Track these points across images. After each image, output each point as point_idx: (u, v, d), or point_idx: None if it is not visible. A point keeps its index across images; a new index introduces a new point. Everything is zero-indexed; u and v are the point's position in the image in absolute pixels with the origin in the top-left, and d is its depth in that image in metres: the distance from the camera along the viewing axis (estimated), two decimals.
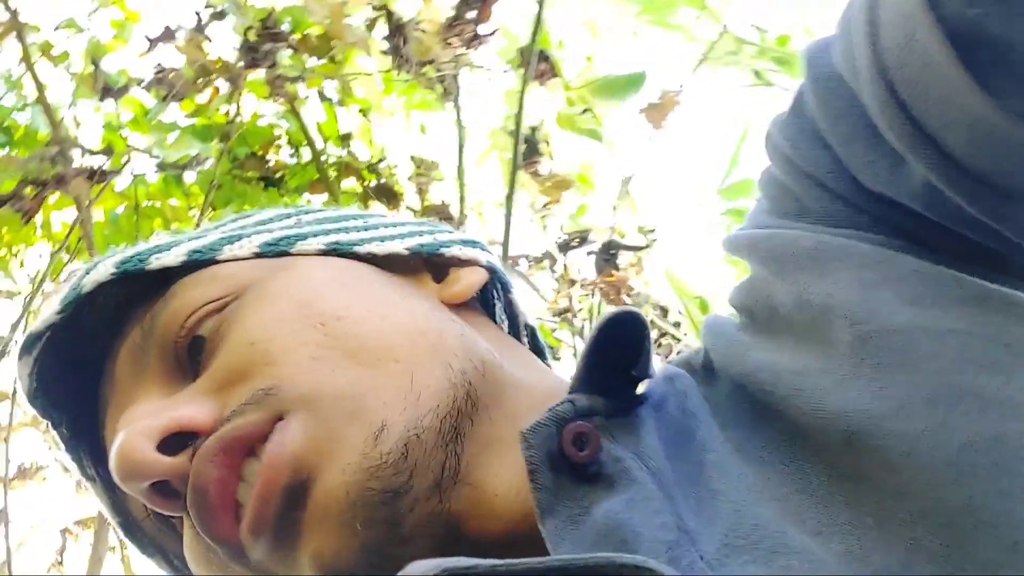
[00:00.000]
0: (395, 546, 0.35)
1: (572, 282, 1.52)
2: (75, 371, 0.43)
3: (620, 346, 0.38)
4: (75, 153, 1.50)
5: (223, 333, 0.39)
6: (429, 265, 0.45)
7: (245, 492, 0.36)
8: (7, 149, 1.48)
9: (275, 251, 0.43)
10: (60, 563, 1.52)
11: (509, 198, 1.50)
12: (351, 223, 0.46)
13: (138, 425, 0.36)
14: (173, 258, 0.41)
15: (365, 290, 0.41)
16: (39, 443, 1.52)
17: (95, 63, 1.44)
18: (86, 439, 0.44)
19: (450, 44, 1.25)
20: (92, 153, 1.46)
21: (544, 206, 1.52)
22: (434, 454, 0.36)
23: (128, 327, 0.41)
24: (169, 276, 0.41)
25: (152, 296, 0.41)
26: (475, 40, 1.21)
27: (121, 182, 1.51)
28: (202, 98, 1.49)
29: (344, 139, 1.49)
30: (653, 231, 1.50)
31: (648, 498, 0.33)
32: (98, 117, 1.51)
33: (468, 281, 0.44)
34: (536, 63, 1.45)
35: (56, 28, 1.45)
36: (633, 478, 0.34)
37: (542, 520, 0.33)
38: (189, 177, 1.52)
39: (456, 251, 0.45)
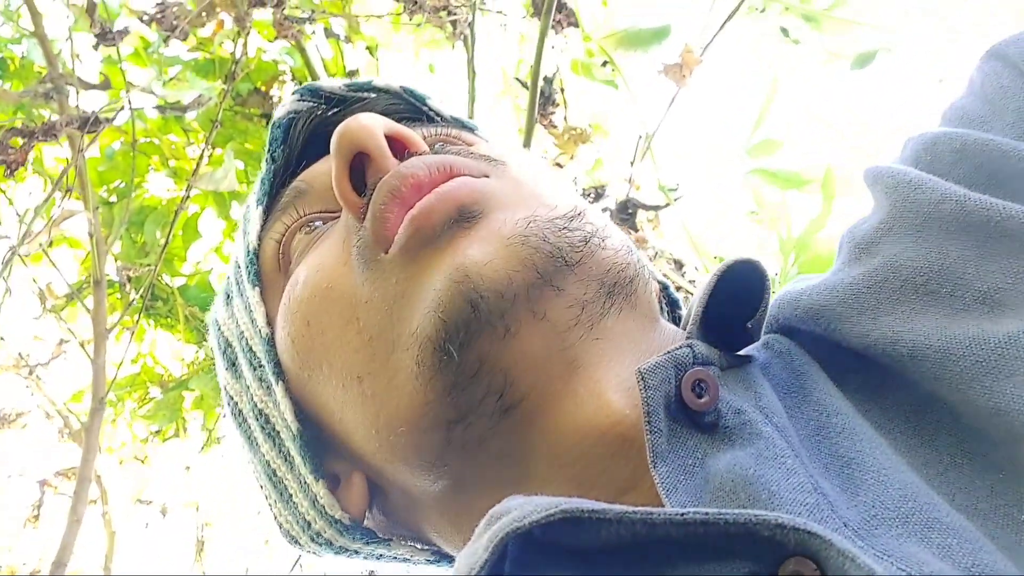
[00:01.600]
0: (523, 308, 0.34)
1: None
2: (315, 132, 0.48)
3: (734, 297, 0.37)
4: (71, 88, 1.47)
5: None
6: None
7: None
8: (1, 82, 1.44)
9: None
10: (36, 517, 1.46)
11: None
12: None
13: (373, 115, 0.40)
14: (447, 111, 0.50)
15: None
16: (20, 388, 1.47)
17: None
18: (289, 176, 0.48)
19: None
20: (89, 87, 1.43)
21: (557, 158, 1.47)
22: (597, 275, 0.37)
23: None
24: (427, 120, 0.49)
25: (406, 122, 0.47)
26: None
27: (119, 117, 1.47)
28: (205, 32, 1.46)
29: (350, 76, 1.45)
30: (675, 189, 1.45)
31: (779, 455, 0.31)
32: (97, 51, 1.47)
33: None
34: (554, 11, 1.41)
35: None
36: (758, 432, 0.32)
37: (654, 465, 0.32)
38: (190, 114, 1.47)
39: None
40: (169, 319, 1.49)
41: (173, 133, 1.50)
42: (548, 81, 1.42)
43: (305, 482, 0.43)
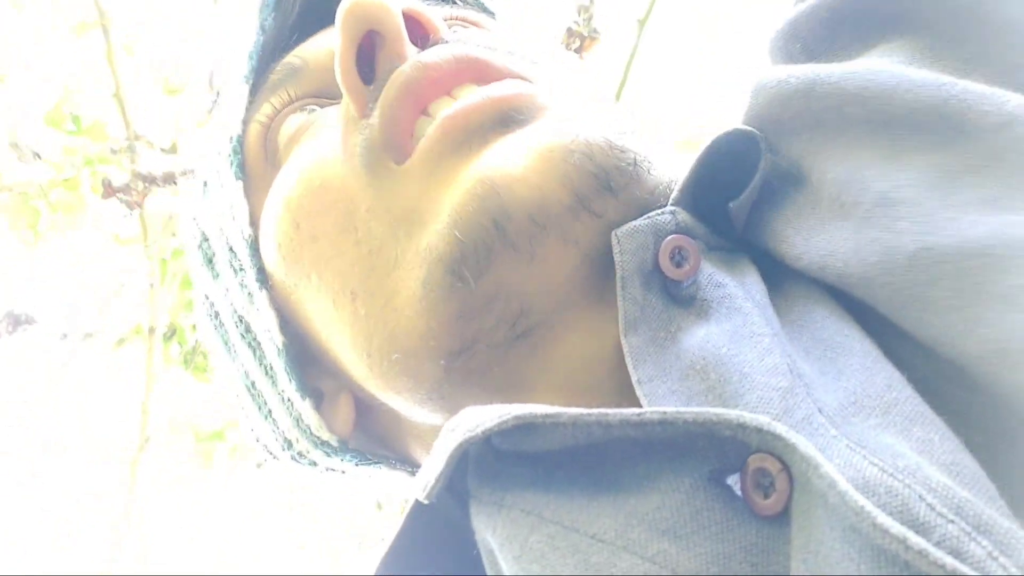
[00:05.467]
0: (555, 233, 0.32)
1: None
2: (312, 2, 0.44)
3: (730, 174, 0.35)
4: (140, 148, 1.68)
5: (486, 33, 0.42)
6: None
7: (436, 109, 0.35)
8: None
9: None
10: (67, 547, 1.63)
11: None
12: None
13: None
14: None
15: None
16: (64, 425, 1.65)
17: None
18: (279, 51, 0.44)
19: None
20: (162, 151, 1.63)
21: None
22: (640, 198, 0.34)
23: None
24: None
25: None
26: None
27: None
28: None
29: None
30: None
31: (756, 333, 0.30)
32: (165, 114, 1.68)
33: None
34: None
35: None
36: (736, 307, 0.31)
37: (625, 334, 0.32)
38: None
39: None
40: (208, 374, 1.70)
41: None
42: None
43: (288, 399, 0.41)
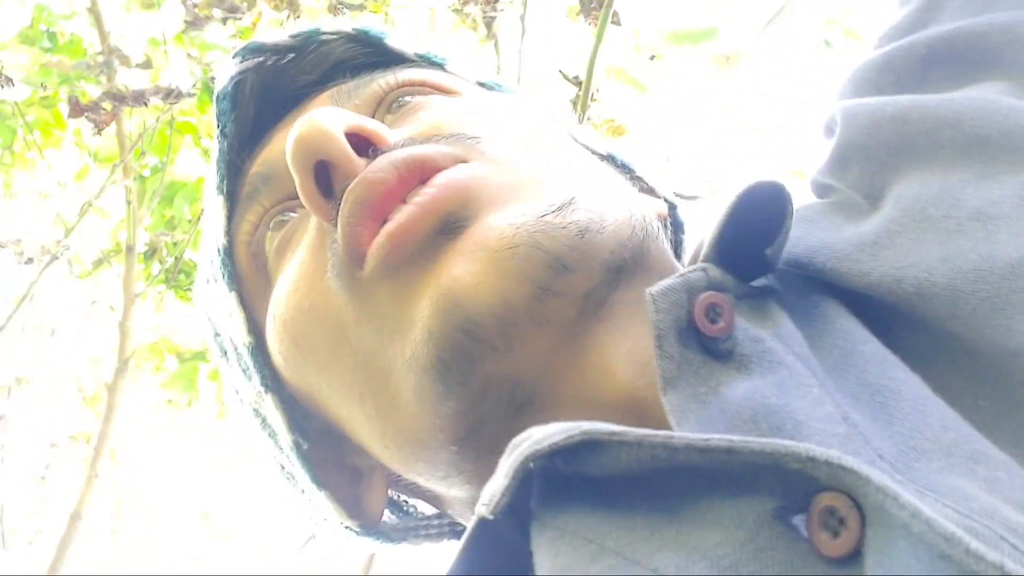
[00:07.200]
0: (525, 323, 0.34)
1: None
2: (267, 95, 0.46)
3: (754, 223, 0.36)
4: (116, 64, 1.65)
5: (433, 102, 0.43)
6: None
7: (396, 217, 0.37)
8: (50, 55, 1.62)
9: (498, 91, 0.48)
10: (43, 479, 1.57)
11: None
12: None
13: (331, 110, 0.39)
14: (410, 48, 0.48)
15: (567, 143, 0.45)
16: (42, 351, 1.60)
17: None
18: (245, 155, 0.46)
19: None
20: (136, 67, 1.60)
21: None
22: (600, 262, 0.36)
23: (339, 78, 0.46)
24: (389, 63, 0.47)
25: (366, 69, 0.46)
26: None
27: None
28: (244, 23, 1.63)
29: None
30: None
31: (804, 384, 0.30)
32: (143, 30, 1.65)
33: (656, 205, 0.46)
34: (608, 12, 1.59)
35: None
36: (779, 360, 0.32)
37: (664, 392, 0.32)
38: None
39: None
40: (190, 292, 1.63)
41: (209, 113, 1.66)
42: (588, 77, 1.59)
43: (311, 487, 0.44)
